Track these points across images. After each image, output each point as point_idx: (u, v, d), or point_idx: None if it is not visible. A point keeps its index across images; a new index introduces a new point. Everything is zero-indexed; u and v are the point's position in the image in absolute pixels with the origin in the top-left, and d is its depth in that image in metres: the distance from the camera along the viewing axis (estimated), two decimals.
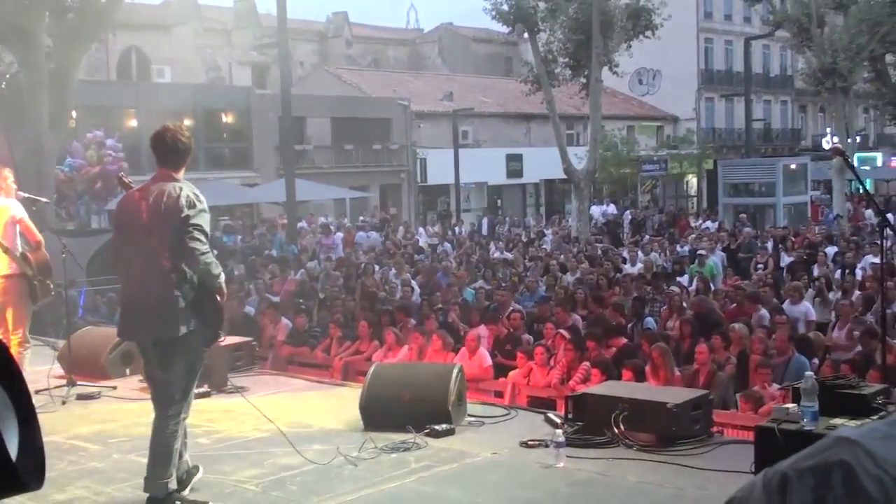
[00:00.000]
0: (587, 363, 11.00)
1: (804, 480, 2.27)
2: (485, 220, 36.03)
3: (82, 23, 20.92)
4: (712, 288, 16.08)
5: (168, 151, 5.76)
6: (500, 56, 57.33)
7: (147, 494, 5.75)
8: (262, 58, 45.81)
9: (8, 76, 21.34)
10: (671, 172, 50.52)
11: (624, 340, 12.00)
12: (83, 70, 27.34)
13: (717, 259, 20.08)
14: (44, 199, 9.78)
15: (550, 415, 7.70)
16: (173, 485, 5.76)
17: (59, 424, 7.99)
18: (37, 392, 8.83)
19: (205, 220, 5.61)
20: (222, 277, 5.78)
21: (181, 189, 5.61)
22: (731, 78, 55.83)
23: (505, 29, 31.79)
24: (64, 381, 9.22)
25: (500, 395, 11.25)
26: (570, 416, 7.36)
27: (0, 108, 20.07)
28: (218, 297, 5.75)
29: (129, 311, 5.83)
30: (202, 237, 5.55)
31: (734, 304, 14.00)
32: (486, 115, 45.94)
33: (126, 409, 8.63)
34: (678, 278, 17.99)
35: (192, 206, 5.55)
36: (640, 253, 21.02)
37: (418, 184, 43.04)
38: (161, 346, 5.69)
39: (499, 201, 46.49)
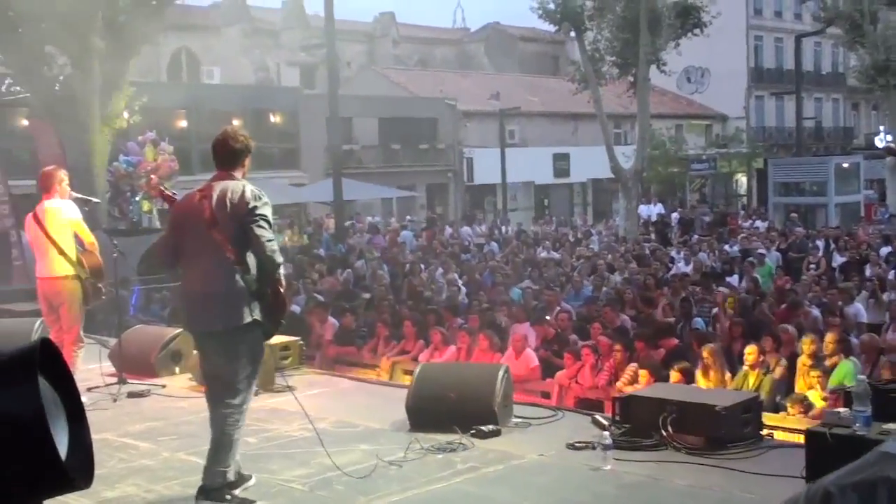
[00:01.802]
0: (635, 364, 10.93)
1: (848, 497, 2.21)
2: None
3: (134, 25, 21.14)
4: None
5: (225, 153, 6.02)
6: (547, 55, 57.16)
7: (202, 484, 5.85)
8: (310, 58, 46.02)
9: (62, 78, 21.62)
10: (720, 171, 50.07)
11: (675, 341, 11.90)
12: (134, 71, 27.64)
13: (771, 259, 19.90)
14: (95, 200, 9.89)
15: (598, 416, 7.64)
16: (231, 475, 5.89)
17: (110, 422, 8.09)
18: (89, 390, 8.97)
19: (269, 212, 5.84)
20: (283, 269, 5.97)
21: (244, 185, 5.86)
22: (781, 76, 55.21)
23: (552, 28, 31.69)
24: (115, 380, 9.33)
25: (547, 395, 11.21)
26: (617, 418, 7.31)
27: (54, 110, 20.32)
28: (279, 289, 5.91)
29: (193, 303, 6.00)
30: (267, 226, 5.77)
31: (784, 305, 13.84)
32: (532, 114, 45.81)
33: (175, 407, 8.72)
34: (727, 278, 17.83)
35: (257, 198, 5.80)
36: (688, 253, 20.86)
37: (465, 183, 43.03)
38: (225, 337, 5.84)
39: (546, 201, 46.36)
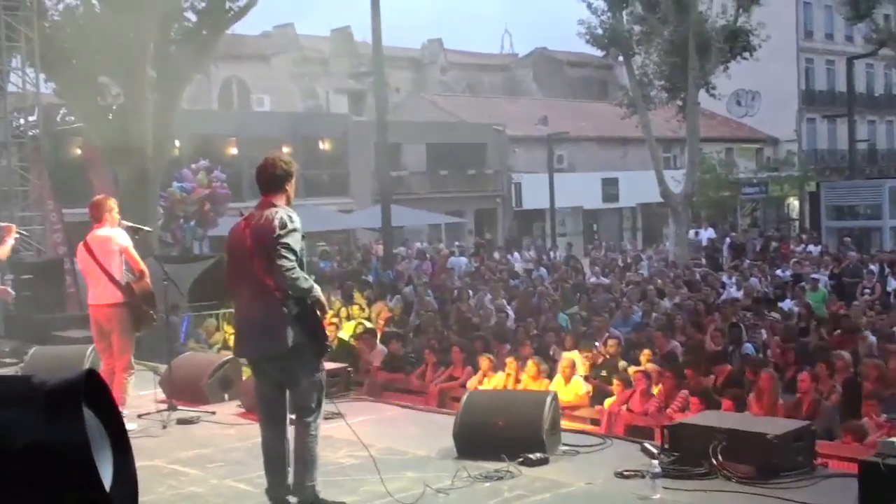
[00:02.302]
0: (686, 391, 10.81)
1: None
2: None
3: (186, 55, 21.45)
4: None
5: (267, 179, 6.15)
6: (595, 80, 57.09)
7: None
8: (358, 85, 46.39)
9: (115, 107, 21.96)
10: (772, 195, 49.57)
11: (727, 368, 11.75)
12: (186, 100, 28.00)
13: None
14: (146, 228, 10.00)
15: (647, 444, 7.56)
16: (321, 488, 6.11)
17: (159, 449, 8.14)
18: (139, 416, 9.05)
19: (293, 239, 5.87)
20: (317, 290, 5.99)
21: (276, 212, 5.96)
22: (833, 98, 54.62)
23: (599, 53, 31.66)
24: (165, 406, 9.39)
25: (596, 422, 11.12)
26: (667, 446, 7.22)
27: (107, 139, 20.63)
28: (318, 312, 6.01)
29: (242, 331, 6.23)
30: (289, 254, 5.81)
31: (839, 331, 13.63)
32: (581, 139, 45.71)
33: (224, 434, 8.75)
34: (780, 304, 17.61)
35: (283, 226, 5.87)
36: (739, 278, 20.64)
37: (513, 208, 42.99)
38: (277, 362, 6.02)
39: (595, 226, 46.17)
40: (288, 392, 6.14)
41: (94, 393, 2.44)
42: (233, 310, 6.52)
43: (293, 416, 6.17)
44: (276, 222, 5.88)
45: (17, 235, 9.53)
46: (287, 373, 6.04)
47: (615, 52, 30.49)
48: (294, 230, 5.90)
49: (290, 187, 6.19)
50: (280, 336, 5.87)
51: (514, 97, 53.33)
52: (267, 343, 5.97)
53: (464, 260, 28.05)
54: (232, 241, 6.19)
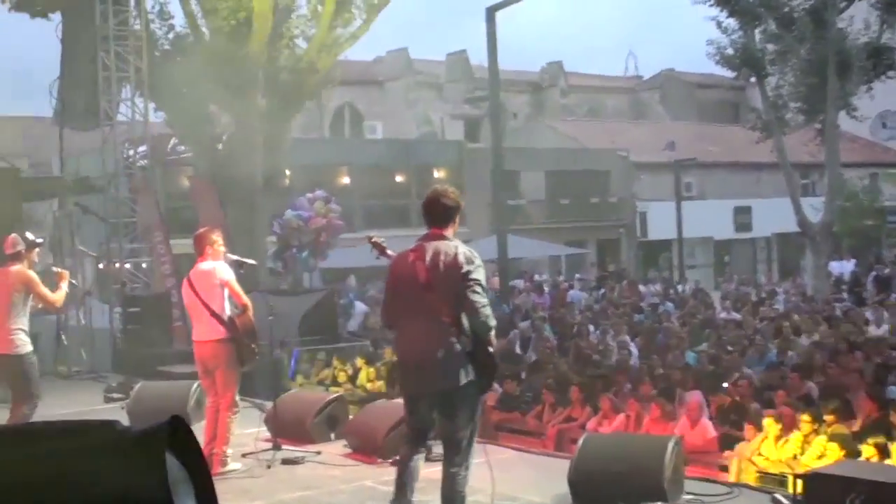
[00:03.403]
0: (823, 437, 10.49)
1: None
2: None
3: (296, 82, 21.88)
4: None
5: (437, 211, 6.34)
6: (726, 102, 56.29)
7: None
8: (474, 111, 46.67)
9: (224, 136, 22.53)
10: None
11: (872, 412, 11.36)
12: (297, 128, 28.54)
13: None
14: (251, 262, 10.16)
15: (778, 496, 7.34)
16: None
17: (262, 490, 8.24)
18: (243, 455, 9.18)
19: (482, 275, 6.15)
20: (493, 330, 6.25)
21: (457, 247, 6.17)
22: None
23: (730, 73, 31.21)
24: (270, 445, 9.50)
25: (725, 469, 10.87)
26: (800, 497, 7.00)
27: (216, 169, 21.15)
28: (490, 349, 6.21)
29: (409, 366, 6.37)
30: (481, 290, 6.08)
31: None
32: (711, 164, 45.03)
33: (329, 476, 8.80)
34: None
35: (469, 262, 6.09)
36: (885, 313, 19.99)
37: (638, 239, 42.56)
38: (442, 398, 6.19)
39: (726, 257, 45.40)
40: (441, 428, 6.31)
41: (181, 440, 2.46)
42: (396, 344, 6.73)
43: (438, 453, 6.48)
44: (462, 257, 6.07)
45: (73, 283, 9.77)
46: (446, 408, 6.21)
47: (747, 72, 29.99)
48: (480, 266, 6.12)
49: (457, 220, 6.39)
50: (453, 373, 6.06)
51: (640, 121, 52.93)
52: (438, 380, 6.13)
53: (583, 293, 27.83)
54: (398, 273, 6.31)
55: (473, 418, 6.29)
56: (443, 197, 6.33)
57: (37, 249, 9.47)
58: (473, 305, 5.99)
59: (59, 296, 9.37)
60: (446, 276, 6.04)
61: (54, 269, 9.70)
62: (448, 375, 6.07)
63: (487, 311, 6.06)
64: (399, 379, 6.82)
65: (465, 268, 6.02)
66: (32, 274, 9.21)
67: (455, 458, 6.23)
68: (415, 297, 6.13)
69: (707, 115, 54.59)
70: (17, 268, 9.10)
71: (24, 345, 8.91)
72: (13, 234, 9.31)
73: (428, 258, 6.12)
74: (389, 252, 6.61)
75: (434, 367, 6.09)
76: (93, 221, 18.66)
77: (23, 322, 8.98)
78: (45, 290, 9.20)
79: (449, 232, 6.30)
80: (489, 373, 6.28)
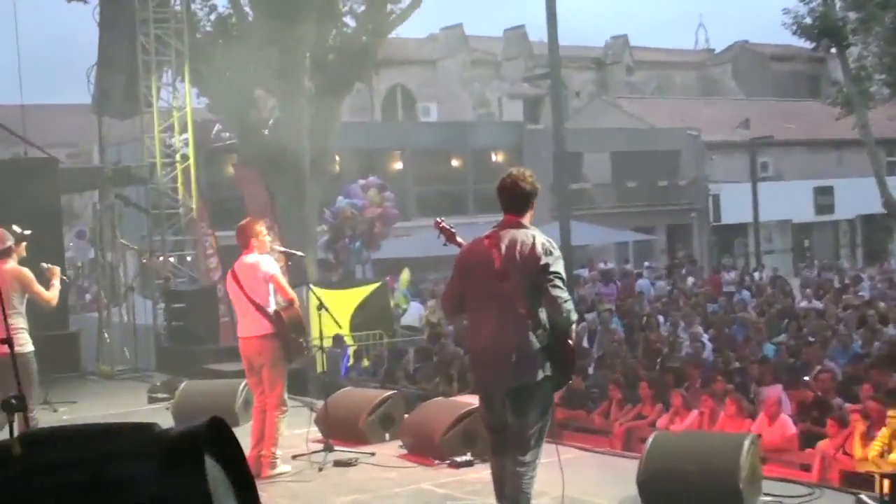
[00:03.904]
0: None
1: None
2: None
3: (345, 63, 21.96)
4: None
5: (514, 197, 6.30)
6: (804, 75, 55.60)
7: None
8: (534, 90, 46.56)
9: (270, 121, 22.68)
10: None
11: None
12: (346, 111, 28.65)
13: None
14: (299, 254, 10.18)
15: (864, 496, 7.25)
16: None
17: (314, 494, 8.28)
18: (293, 457, 9.23)
19: (562, 267, 6.10)
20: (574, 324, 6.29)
21: (534, 237, 6.12)
22: None
23: (809, 44, 30.82)
24: (321, 446, 9.53)
25: (806, 469, 10.76)
26: (887, 498, 6.92)
27: (262, 156, 21.29)
28: (570, 343, 6.20)
29: (483, 360, 6.35)
30: (562, 284, 6.05)
31: None
32: (788, 143, 44.59)
33: (384, 478, 8.81)
34: None
35: (548, 253, 6.04)
36: None
37: (711, 223, 42.25)
38: (516, 394, 6.16)
39: (806, 241, 44.94)
40: (511, 424, 6.26)
41: (221, 441, 2.48)
42: (468, 337, 6.70)
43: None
44: (540, 248, 6.02)
45: (65, 278, 9.84)
46: (518, 404, 6.17)
47: (827, 43, 29.63)
48: (559, 257, 6.09)
49: (533, 206, 6.35)
50: (530, 369, 6.05)
51: (711, 98, 52.49)
52: (513, 375, 6.11)
53: (649, 282, 27.68)
54: (471, 260, 6.29)
55: (545, 416, 6.27)
56: (520, 181, 6.27)
57: (24, 243, 9.61)
58: (555, 301, 5.95)
59: (54, 294, 9.50)
60: (523, 266, 6.00)
61: (44, 265, 9.78)
62: (523, 371, 6.06)
63: (569, 305, 6.03)
64: (471, 374, 6.85)
65: (545, 259, 5.98)
66: (27, 272, 9.34)
67: (522, 457, 6.19)
68: (488, 286, 6.12)
69: (783, 89, 53.97)
70: (11, 265, 9.24)
71: (26, 344, 9.02)
72: (0, 230, 9.42)
73: (504, 246, 6.09)
74: (459, 239, 6.52)
75: (509, 361, 6.08)
76: (135, 213, 18.83)
77: (22, 321, 9.09)
78: (40, 289, 9.32)
79: (526, 219, 6.25)
80: (567, 368, 6.29)
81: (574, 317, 6.12)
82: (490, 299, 6.13)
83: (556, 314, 5.98)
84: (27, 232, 9.70)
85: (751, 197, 38.16)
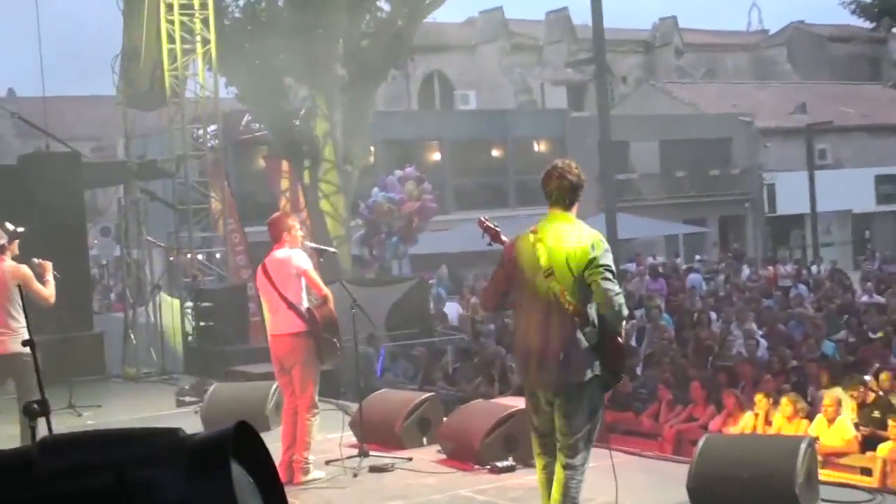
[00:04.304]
0: None
1: None
2: None
3: (379, 49, 21.98)
4: None
5: (558, 190, 6.32)
6: (864, 57, 55.07)
7: None
8: (578, 75, 46.43)
9: (302, 111, 22.75)
10: None
11: None
12: (381, 100, 28.72)
13: None
14: (331, 250, 10.24)
15: None
16: None
17: (348, 501, 8.32)
18: (327, 463, 9.26)
19: (611, 260, 6.13)
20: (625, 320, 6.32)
21: (581, 229, 6.18)
22: None
23: (868, 24, 30.58)
24: (356, 451, 9.56)
25: (867, 473, 10.69)
26: None
27: (293, 147, 21.36)
28: (620, 341, 6.23)
29: (528, 360, 6.34)
30: (612, 277, 6.06)
31: None
32: (848, 128, 44.23)
33: (421, 484, 8.84)
34: None
35: (597, 246, 6.05)
36: None
37: (766, 214, 42.01)
38: (564, 395, 6.18)
39: (866, 233, 44.60)
40: (558, 426, 6.26)
41: (247, 447, 2.50)
42: (514, 335, 6.65)
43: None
44: (588, 241, 6.04)
45: (56, 275, 9.89)
46: (566, 405, 6.18)
47: (888, 22, 29.47)
48: (608, 250, 6.10)
49: (579, 199, 6.37)
50: (578, 368, 6.06)
51: (765, 82, 52.15)
52: (561, 375, 6.12)
53: (701, 277, 27.57)
54: (517, 257, 6.31)
55: (594, 417, 6.28)
56: (567, 173, 6.28)
57: (17, 241, 9.70)
58: (606, 294, 5.94)
59: (51, 291, 9.59)
60: (570, 261, 6.02)
61: (35, 260, 9.86)
62: (571, 370, 6.08)
63: (621, 299, 6.03)
64: (517, 374, 6.79)
65: (593, 253, 5.98)
66: (27, 269, 9.44)
67: (571, 460, 6.19)
68: (534, 283, 6.15)
69: (842, 72, 53.49)
70: (9, 263, 9.37)
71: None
72: None
73: (549, 241, 6.11)
74: (504, 238, 6.54)
75: (556, 361, 6.10)
76: (161, 209, 18.92)
77: (23, 319, 9.16)
78: (39, 286, 9.42)
79: (572, 213, 6.29)
80: (617, 367, 6.28)
81: (626, 312, 6.13)
82: (536, 297, 6.15)
83: (608, 309, 5.98)
84: (20, 229, 9.78)
85: (808, 186, 37.89)
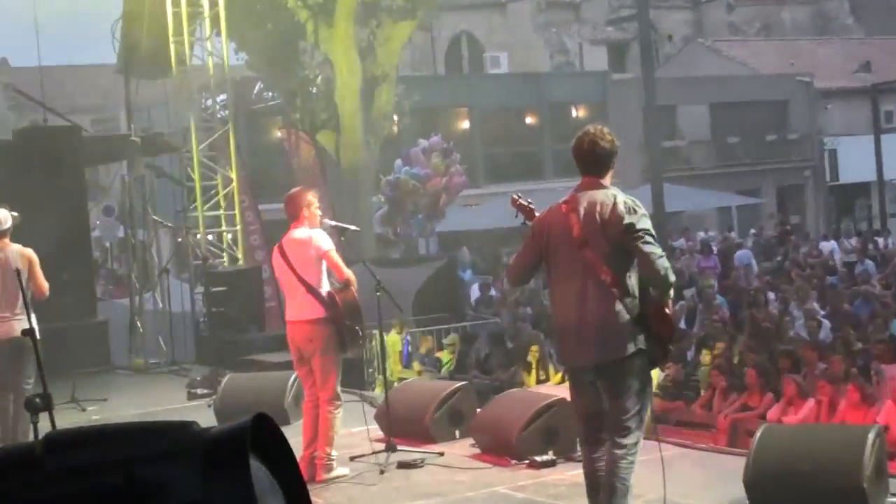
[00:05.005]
0: None
1: None
2: None
3: (401, 8, 21.92)
4: None
5: (591, 157, 6.43)
6: None
7: None
8: (619, 34, 46.24)
9: (318, 79, 22.74)
10: None
11: None
12: (404, 64, 28.67)
13: None
14: (353, 228, 10.16)
15: None
16: None
17: (375, 499, 8.35)
18: (352, 459, 9.28)
19: (649, 224, 6.23)
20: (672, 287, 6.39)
21: (615, 196, 6.26)
22: None
23: None
24: (383, 446, 9.58)
25: None
26: None
27: (310, 116, 21.38)
28: (666, 311, 6.30)
29: (566, 333, 6.47)
30: (653, 240, 6.16)
31: None
32: None
33: (454, 481, 8.84)
34: None
35: (632, 211, 6.16)
36: None
37: (827, 183, 41.80)
38: (606, 372, 6.26)
39: None
40: (606, 406, 6.31)
41: (267, 441, 2.52)
42: (552, 311, 6.92)
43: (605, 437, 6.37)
44: (622, 207, 6.13)
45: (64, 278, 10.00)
46: (611, 383, 6.25)
47: None
48: (645, 215, 6.21)
49: (613, 167, 6.47)
50: (618, 341, 6.14)
51: (826, 38, 51.81)
52: (600, 350, 6.21)
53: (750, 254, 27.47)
54: (548, 229, 6.40)
55: (643, 395, 6.34)
56: (599, 140, 6.37)
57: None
58: (648, 258, 6.02)
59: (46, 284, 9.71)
60: (605, 229, 6.11)
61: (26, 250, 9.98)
62: (611, 344, 6.15)
63: (665, 262, 6.11)
64: (556, 351, 6.85)
65: (628, 219, 6.07)
66: (33, 252, 9.54)
67: (621, 441, 6.24)
68: (568, 255, 6.25)
69: None
70: (16, 245, 9.51)
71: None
72: (1, 209, 9.61)
73: (582, 210, 6.21)
74: (539, 216, 6.62)
75: (594, 335, 6.19)
76: (168, 186, 18.94)
77: (28, 305, 9.22)
78: (41, 275, 9.51)
79: (606, 180, 6.37)
80: (664, 341, 6.35)
81: (672, 277, 6.20)
82: (571, 269, 6.26)
83: (652, 273, 6.06)
84: (14, 214, 9.86)
85: (873, 151, 37.69)
